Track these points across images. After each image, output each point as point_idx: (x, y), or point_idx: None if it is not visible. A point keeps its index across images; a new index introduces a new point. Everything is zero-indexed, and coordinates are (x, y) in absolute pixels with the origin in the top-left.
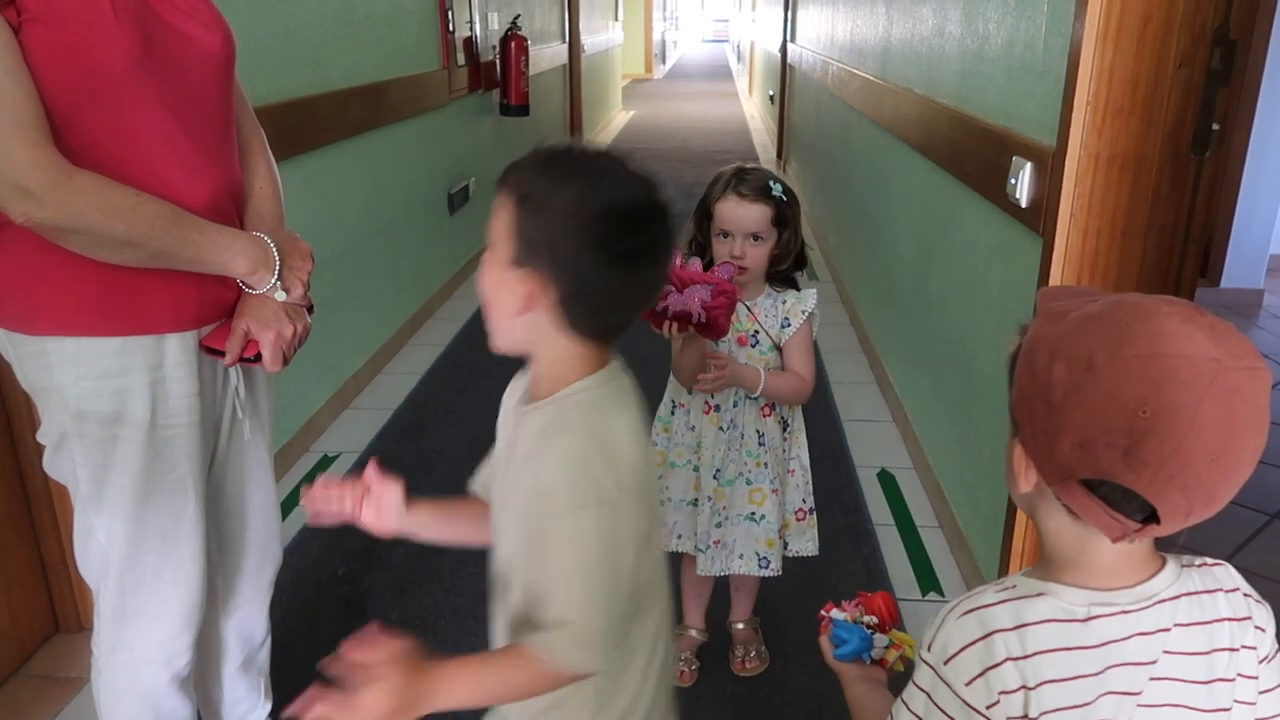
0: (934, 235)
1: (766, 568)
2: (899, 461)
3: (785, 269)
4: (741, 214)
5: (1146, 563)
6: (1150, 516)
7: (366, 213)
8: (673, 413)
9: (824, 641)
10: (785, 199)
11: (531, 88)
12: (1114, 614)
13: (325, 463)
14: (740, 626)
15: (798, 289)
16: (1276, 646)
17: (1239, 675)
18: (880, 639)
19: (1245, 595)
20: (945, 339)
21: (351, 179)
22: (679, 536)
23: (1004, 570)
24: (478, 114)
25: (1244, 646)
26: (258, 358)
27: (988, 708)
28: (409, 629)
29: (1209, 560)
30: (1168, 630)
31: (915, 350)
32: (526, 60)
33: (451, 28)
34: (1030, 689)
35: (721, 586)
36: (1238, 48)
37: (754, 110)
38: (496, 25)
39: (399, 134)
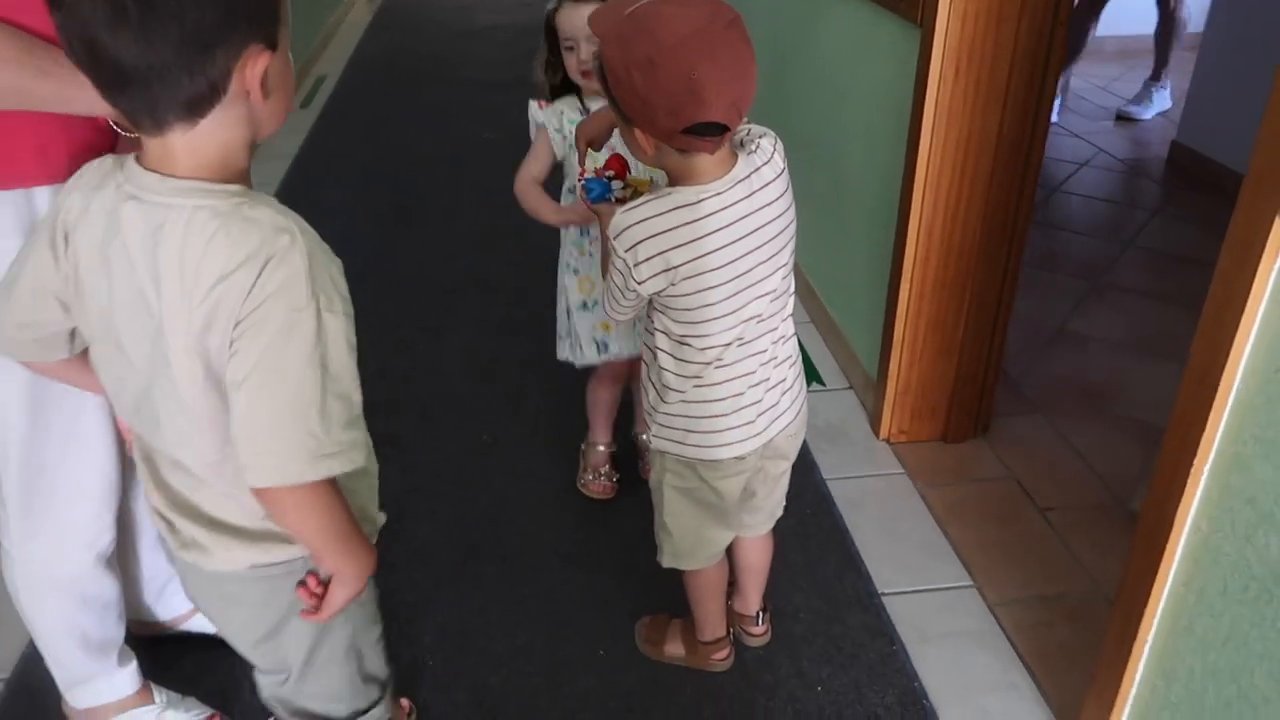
0: (792, 35)
1: None
2: None
3: None
4: (577, 18)
5: (728, 160)
6: (721, 130)
7: None
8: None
9: (581, 195)
10: None
11: None
12: (713, 196)
13: None
14: (646, 437)
15: None
16: (783, 164)
17: (763, 207)
18: (617, 183)
19: (776, 145)
20: (810, 141)
21: None
22: (580, 349)
23: (885, 359)
24: None
25: (776, 164)
26: None
27: (636, 265)
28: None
29: (758, 140)
30: (750, 195)
31: None
32: None
33: None
34: (668, 251)
35: (625, 406)
36: None
37: None
38: None
39: None
